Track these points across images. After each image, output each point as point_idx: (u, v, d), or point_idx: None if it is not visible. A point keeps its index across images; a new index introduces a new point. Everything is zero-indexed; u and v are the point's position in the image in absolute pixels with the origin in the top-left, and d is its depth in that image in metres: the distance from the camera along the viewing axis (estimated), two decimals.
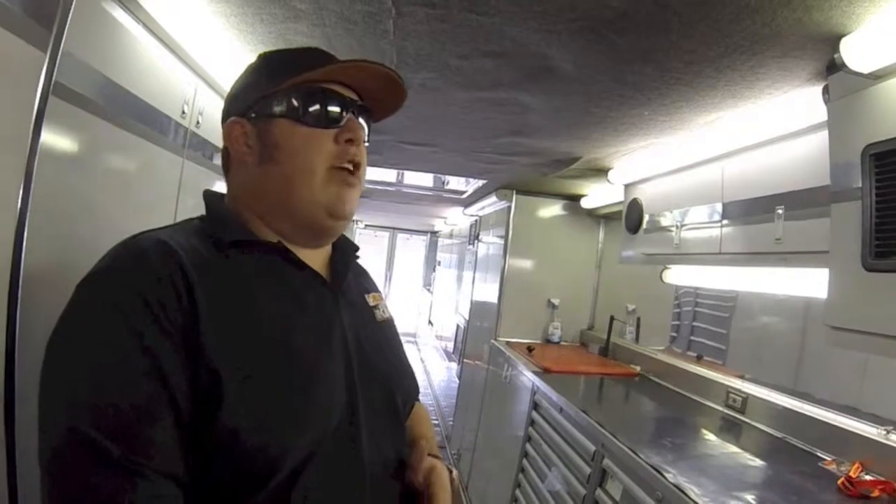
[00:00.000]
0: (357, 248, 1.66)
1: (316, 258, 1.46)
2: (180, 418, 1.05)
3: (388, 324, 1.66)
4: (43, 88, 1.32)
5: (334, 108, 1.38)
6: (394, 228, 17.66)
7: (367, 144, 1.48)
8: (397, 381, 1.52)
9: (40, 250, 1.49)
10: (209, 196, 1.46)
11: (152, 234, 1.21)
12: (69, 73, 1.57)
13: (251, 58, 2.65)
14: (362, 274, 1.75)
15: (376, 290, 1.73)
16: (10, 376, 1.34)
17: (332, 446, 1.22)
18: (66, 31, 1.37)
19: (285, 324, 1.26)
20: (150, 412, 1.02)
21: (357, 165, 1.40)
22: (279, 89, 1.36)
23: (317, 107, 1.36)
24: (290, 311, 1.29)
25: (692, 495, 2.19)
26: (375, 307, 1.63)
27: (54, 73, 1.35)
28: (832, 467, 2.65)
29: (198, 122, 2.59)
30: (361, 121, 1.45)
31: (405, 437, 1.54)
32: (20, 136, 1.30)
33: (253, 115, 1.38)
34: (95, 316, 1.07)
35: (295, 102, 1.35)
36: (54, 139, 1.56)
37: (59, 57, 1.36)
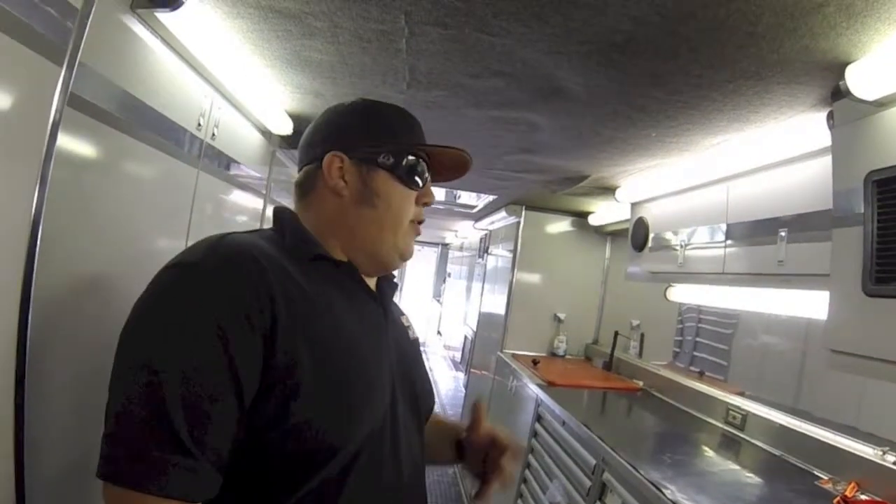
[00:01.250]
0: (395, 276, 1.77)
1: (369, 281, 1.59)
2: (243, 414, 1.15)
3: (416, 343, 1.80)
4: (59, 100, 1.32)
5: (424, 175, 1.58)
6: None
7: None
8: (423, 393, 1.66)
9: (56, 257, 1.48)
10: (287, 214, 1.54)
11: (243, 241, 1.29)
12: (86, 86, 1.57)
13: (267, 72, 2.65)
14: (395, 298, 1.83)
15: (404, 313, 1.85)
16: (20, 382, 1.34)
17: (378, 444, 1.35)
18: (82, 45, 1.37)
19: (352, 331, 1.39)
20: (218, 402, 1.11)
21: (422, 222, 1.63)
22: (390, 146, 1.52)
23: (415, 173, 1.54)
24: (355, 321, 1.43)
25: None
26: (409, 327, 1.78)
27: (70, 85, 1.35)
28: (828, 486, 2.63)
29: (213, 135, 2.59)
30: None
31: (424, 443, 1.63)
32: (37, 144, 1.30)
33: (357, 156, 1.51)
34: (189, 310, 1.15)
35: (402, 162, 1.52)
36: (70, 149, 1.56)
37: (74, 69, 1.36)
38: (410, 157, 1.53)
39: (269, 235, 1.44)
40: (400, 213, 1.53)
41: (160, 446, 1.06)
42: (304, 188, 1.56)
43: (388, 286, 1.67)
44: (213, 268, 1.20)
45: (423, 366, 1.79)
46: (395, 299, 1.79)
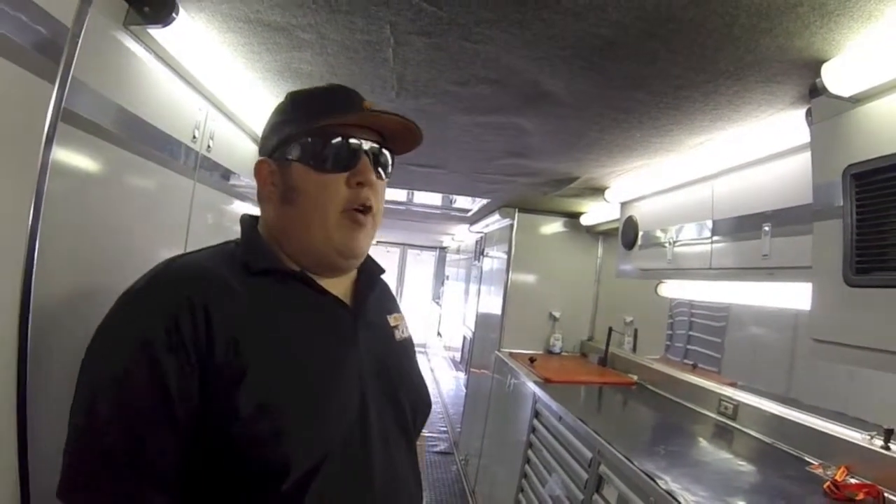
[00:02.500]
0: (383, 271, 1.69)
1: (339, 283, 1.49)
2: (182, 433, 1.13)
3: (407, 343, 1.69)
4: (52, 115, 1.32)
5: (346, 154, 1.40)
6: (404, 244, 17.68)
7: (384, 179, 1.51)
8: (409, 398, 1.54)
9: (53, 270, 1.48)
10: (245, 222, 1.50)
11: (186, 260, 1.32)
12: (79, 101, 1.58)
13: (259, 83, 2.66)
14: (387, 295, 1.77)
15: (398, 310, 1.75)
16: (22, 392, 1.34)
17: (344, 456, 1.26)
18: (74, 62, 1.38)
19: (304, 343, 1.33)
20: (153, 428, 1.12)
21: (368, 207, 1.43)
22: (296, 134, 1.40)
23: (329, 153, 1.39)
24: (307, 332, 1.35)
25: (683, 501, 2.18)
26: (396, 327, 1.66)
27: (63, 101, 1.35)
28: (819, 471, 2.64)
29: (209, 147, 2.59)
30: (387, 156, 1.51)
31: (415, 449, 1.56)
32: (31, 160, 1.30)
33: (277, 156, 1.43)
34: (120, 332, 1.18)
35: (310, 148, 1.39)
36: (66, 163, 1.56)
37: (67, 86, 1.36)
38: (317, 138, 1.39)
39: (228, 250, 1.41)
40: (320, 203, 1.38)
41: (96, 470, 1.10)
42: (258, 198, 1.50)
43: (367, 284, 1.58)
44: (148, 292, 1.21)
45: (413, 368, 1.68)
46: (385, 294, 1.75)
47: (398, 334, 1.66)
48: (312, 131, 1.39)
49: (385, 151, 1.50)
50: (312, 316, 1.39)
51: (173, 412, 1.12)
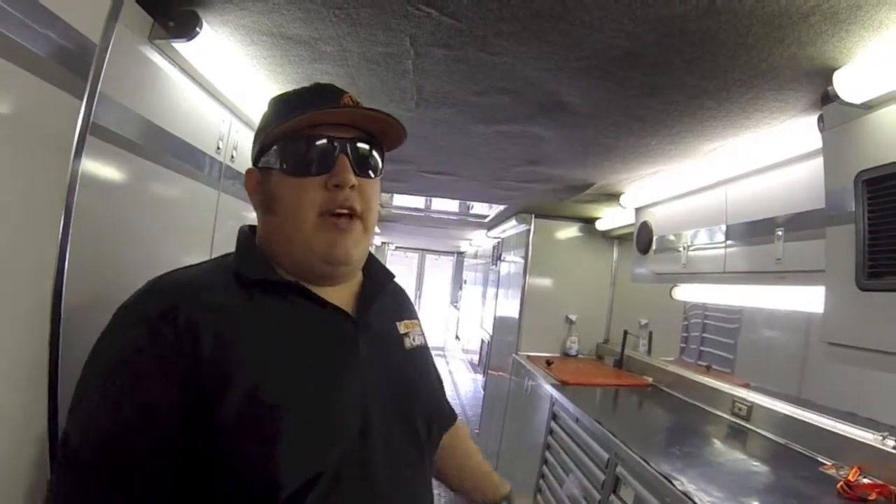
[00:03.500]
0: (392, 277, 1.59)
1: (340, 292, 1.38)
2: (168, 447, 1.08)
3: (419, 350, 1.56)
4: (80, 129, 1.33)
5: (321, 155, 1.30)
6: (423, 250, 17.70)
7: (373, 177, 1.38)
8: (421, 410, 1.43)
9: (83, 278, 1.50)
10: (241, 233, 1.42)
11: (176, 275, 1.26)
12: (107, 115, 1.59)
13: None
14: (399, 301, 1.65)
15: (413, 316, 1.63)
16: (54, 397, 1.35)
17: (340, 475, 1.16)
18: (102, 77, 1.38)
19: (293, 356, 1.22)
20: (139, 441, 1.07)
21: (351, 209, 1.31)
22: (269, 138, 1.32)
23: (303, 155, 1.29)
24: (301, 343, 1.25)
25: (699, 502, 2.17)
26: (406, 335, 1.53)
27: (91, 115, 1.36)
28: (832, 472, 2.63)
29: (232, 157, 2.62)
30: (375, 154, 1.38)
31: (431, 463, 1.48)
32: (61, 173, 1.31)
33: (260, 164, 1.36)
34: (107, 348, 1.14)
35: (283, 152, 1.31)
36: (94, 175, 1.57)
37: (95, 100, 1.36)
38: (289, 142, 1.29)
39: (224, 262, 1.34)
40: (297, 209, 1.27)
41: (83, 487, 1.07)
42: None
43: (371, 292, 1.46)
44: (135, 307, 1.17)
45: (426, 377, 1.56)
46: (398, 300, 1.64)
47: (408, 342, 1.53)
48: (284, 135, 1.30)
49: (373, 151, 1.37)
50: (308, 327, 1.28)
51: (158, 424, 1.08)
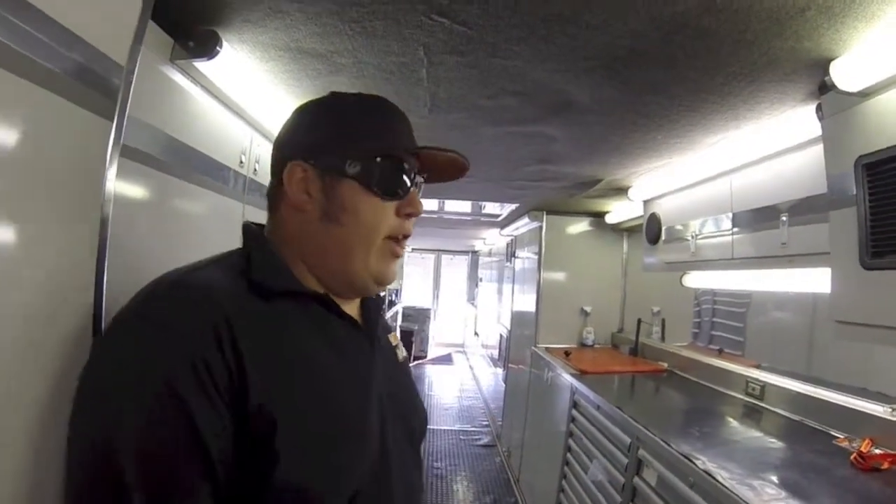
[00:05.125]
0: (381, 292, 1.58)
1: (353, 305, 1.38)
2: (217, 484, 0.96)
3: (405, 362, 1.60)
4: (112, 152, 1.33)
5: (405, 183, 1.29)
6: (438, 250, 17.68)
7: None
8: (414, 417, 1.47)
9: (120, 291, 1.49)
10: (251, 233, 1.32)
11: (198, 278, 1.12)
12: (136, 135, 1.61)
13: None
14: (383, 316, 1.58)
15: (392, 329, 1.66)
16: None
17: (372, 486, 1.16)
18: (129, 99, 1.39)
19: (331, 373, 1.18)
20: (186, 479, 0.94)
21: (407, 237, 1.33)
22: (358, 150, 1.24)
23: (392, 180, 1.26)
24: (333, 360, 1.21)
25: (721, 479, 2.19)
26: (396, 347, 1.58)
27: (122, 138, 1.37)
28: (845, 444, 2.64)
29: (255, 170, 2.64)
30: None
31: (422, 465, 1.54)
32: (94, 192, 1.31)
33: (321, 165, 1.24)
34: (139, 372, 0.95)
35: (373, 171, 1.24)
36: (126, 194, 1.60)
37: (125, 122, 1.37)
38: (384, 162, 1.25)
39: (233, 265, 1.20)
40: (371, 229, 1.24)
41: None
42: (270, 203, 1.34)
43: (374, 305, 1.44)
44: (164, 318, 1.00)
45: (413, 387, 1.58)
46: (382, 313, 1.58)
47: (399, 354, 1.57)
48: (382, 154, 1.25)
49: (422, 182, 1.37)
50: (337, 342, 1.24)
51: (208, 465, 0.95)
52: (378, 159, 1.24)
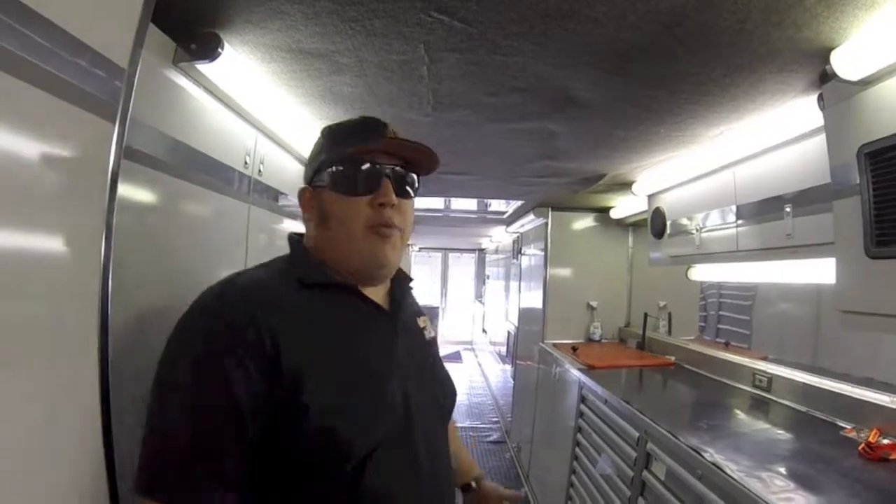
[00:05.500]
0: (411, 280, 1.76)
1: (377, 291, 1.57)
2: (251, 435, 1.21)
3: (433, 341, 1.79)
4: (115, 153, 1.34)
5: (369, 178, 1.46)
6: (445, 249, 17.75)
7: (410, 197, 1.56)
8: (440, 387, 1.66)
9: (126, 292, 1.53)
10: (293, 241, 1.57)
11: (248, 278, 1.40)
12: (138, 138, 1.65)
13: (302, 110, 2.69)
14: (415, 301, 1.85)
15: (423, 314, 1.83)
16: (105, 399, 1.37)
17: (392, 443, 1.35)
18: (131, 102, 1.39)
19: (356, 346, 1.41)
20: (224, 433, 1.20)
21: (391, 224, 1.47)
22: (325, 162, 1.49)
23: (354, 178, 1.46)
24: (359, 335, 1.44)
25: (729, 471, 2.18)
26: (424, 328, 1.75)
27: (124, 139, 1.38)
28: (852, 435, 2.62)
29: (259, 171, 2.64)
30: (413, 177, 1.56)
31: (447, 431, 1.68)
32: (99, 195, 1.32)
33: (314, 183, 1.53)
34: (191, 346, 1.24)
35: (337, 175, 1.47)
36: (130, 196, 1.64)
37: (127, 124, 1.38)
38: (341, 166, 1.47)
39: (279, 267, 1.48)
40: (347, 224, 1.45)
41: (171, 471, 1.18)
42: (303, 219, 1.60)
43: (400, 292, 1.65)
44: (217, 308, 1.28)
45: (440, 364, 1.77)
46: (413, 299, 1.83)
47: (427, 334, 1.75)
48: (339, 160, 1.47)
49: (411, 174, 1.55)
50: (360, 321, 1.47)
51: (243, 418, 1.20)
52: (340, 165, 1.47)
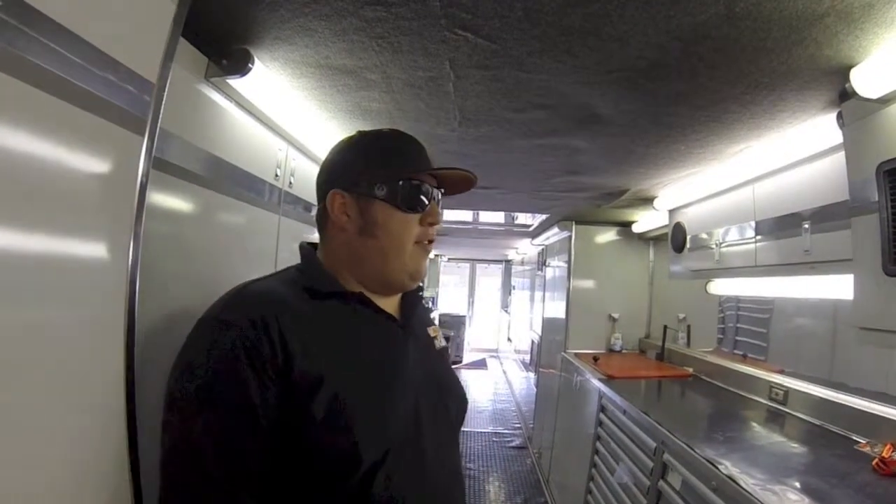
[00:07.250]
0: (422, 289, 1.76)
1: (390, 302, 1.57)
2: (267, 440, 1.20)
3: (444, 351, 1.80)
4: (144, 164, 1.34)
5: (424, 199, 1.50)
6: (473, 260, 17.80)
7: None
8: (450, 397, 1.64)
9: (155, 300, 1.55)
10: (305, 250, 1.56)
11: (257, 287, 1.38)
12: (168, 149, 1.65)
13: (331, 124, 2.67)
14: (425, 311, 1.86)
15: (433, 323, 1.84)
16: (131, 399, 1.36)
17: (402, 451, 1.34)
18: (161, 114, 1.39)
19: (367, 355, 1.41)
20: (241, 440, 1.19)
21: (434, 240, 1.57)
22: (387, 178, 1.47)
23: (412, 197, 1.48)
24: (370, 344, 1.44)
25: (744, 484, 2.14)
26: (434, 338, 1.76)
27: (153, 151, 1.37)
28: (866, 449, 2.58)
29: (290, 183, 2.64)
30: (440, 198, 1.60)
31: (459, 441, 1.68)
32: (127, 205, 1.32)
33: (356, 190, 1.48)
34: (204, 355, 1.22)
35: (397, 192, 1.46)
36: (160, 205, 1.64)
37: (156, 136, 1.37)
38: (404, 184, 1.47)
39: (290, 277, 1.48)
40: (401, 238, 1.49)
41: (192, 482, 1.17)
42: (319, 225, 1.58)
43: (411, 302, 1.65)
44: (227, 317, 1.26)
45: (451, 371, 1.78)
46: (424, 309, 1.83)
47: (437, 343, 1.76)
48: (397, 177, 1.47)
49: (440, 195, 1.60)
50: (371, 331, 1.47)
51: (258, 423, 1.19)
52: (400, 182, 1.47)
